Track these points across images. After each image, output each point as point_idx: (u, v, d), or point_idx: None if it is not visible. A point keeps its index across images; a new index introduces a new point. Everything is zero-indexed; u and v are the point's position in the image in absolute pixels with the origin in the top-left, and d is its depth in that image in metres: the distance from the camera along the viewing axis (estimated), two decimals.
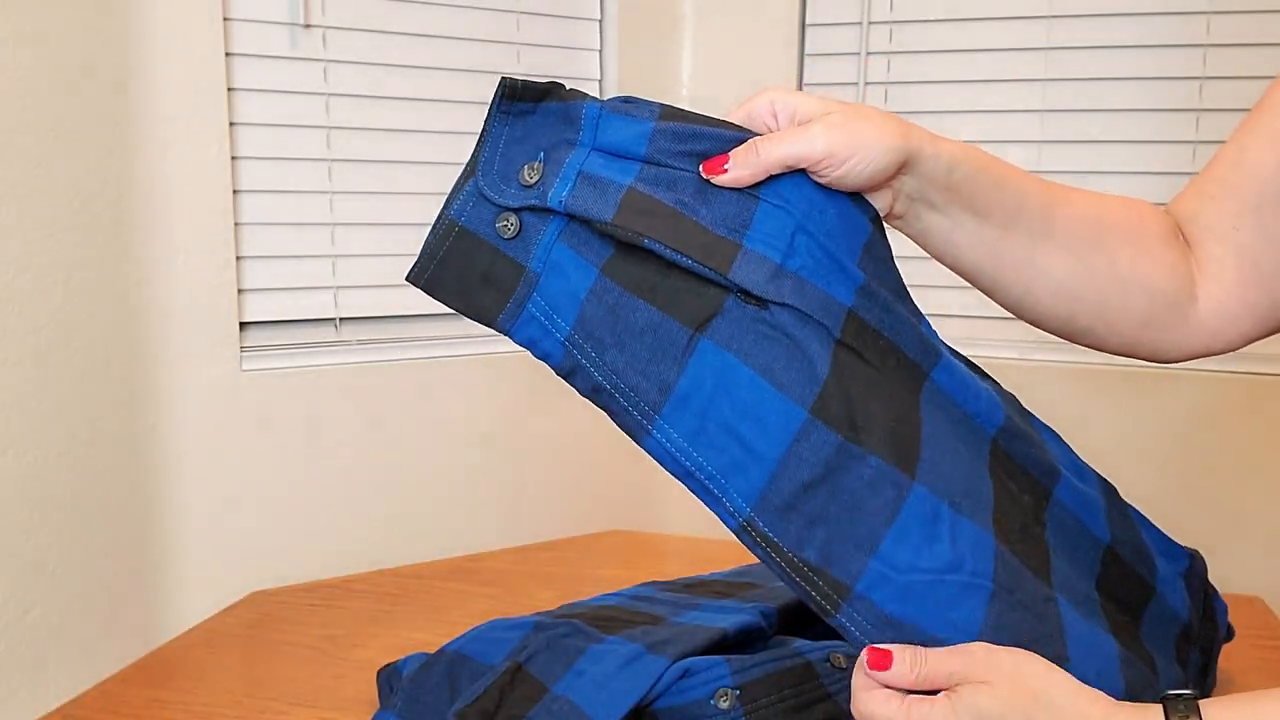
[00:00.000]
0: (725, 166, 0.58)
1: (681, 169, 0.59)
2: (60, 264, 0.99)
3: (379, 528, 1.32)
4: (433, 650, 0.75)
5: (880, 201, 0.62)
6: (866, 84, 1.51)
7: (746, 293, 0.57)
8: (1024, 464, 0.64)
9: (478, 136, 0.60)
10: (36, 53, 0.96)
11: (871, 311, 0.60)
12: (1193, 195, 0.69)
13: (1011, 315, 0.69)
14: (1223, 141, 0.69)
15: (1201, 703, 0.52)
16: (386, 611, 0.96)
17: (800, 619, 0.80)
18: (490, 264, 0.58)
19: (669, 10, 1.52)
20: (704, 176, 0.58)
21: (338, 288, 1.31)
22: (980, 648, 0.56)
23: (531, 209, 0.58)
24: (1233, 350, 0.68)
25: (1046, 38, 1.43)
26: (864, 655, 0.56)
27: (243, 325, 1.23)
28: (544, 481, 1.44)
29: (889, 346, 0.60)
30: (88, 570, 1.05)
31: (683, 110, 0.61)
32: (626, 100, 0.61)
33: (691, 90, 1.55)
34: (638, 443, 0.59)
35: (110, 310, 1.07)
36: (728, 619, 0.75)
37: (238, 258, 1.21)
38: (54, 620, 1.00)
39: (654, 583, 0.91)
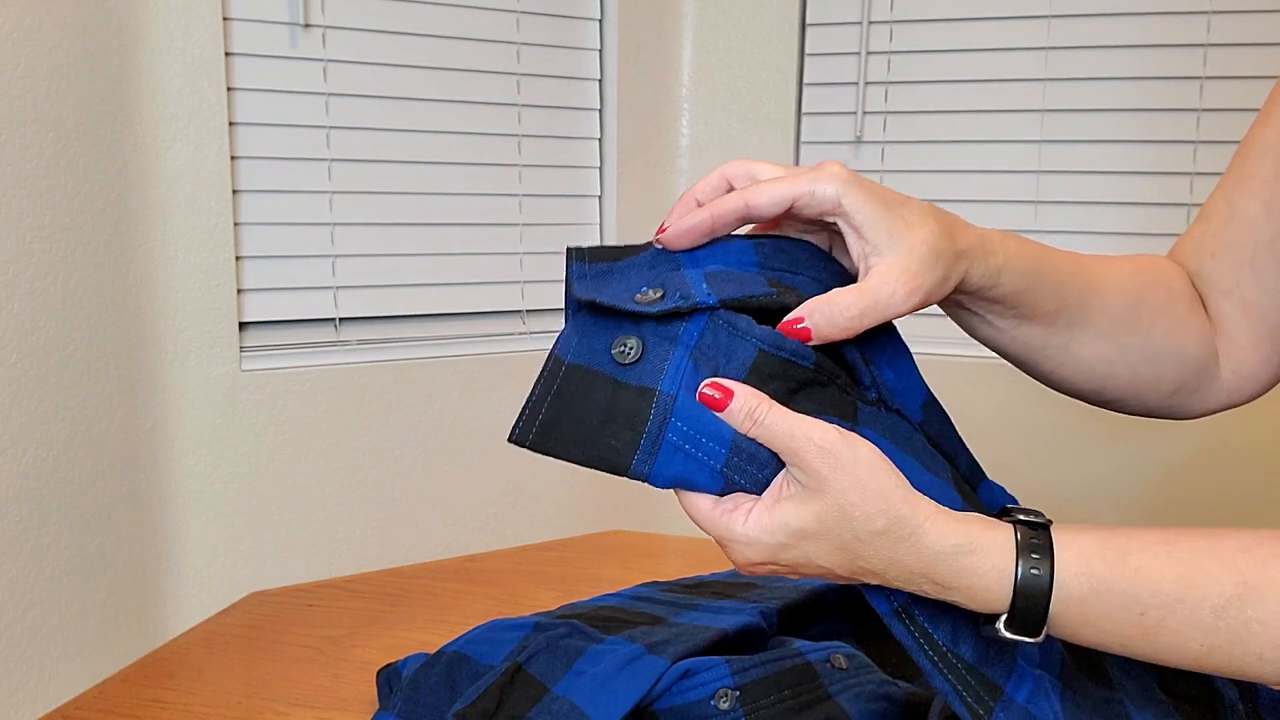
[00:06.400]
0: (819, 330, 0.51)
1: (798, 274, 0.55)
2: (60, 264, 0.99)
3: (379, 528, 1.32)
4: (432, 650, 0.75)
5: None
6: (866, 83, 1.51)
7: (860, 388, 0.55)
8: None
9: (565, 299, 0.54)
10: (36, 52, 0.95)
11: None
12: (1193, 251, 0.68)
13: None
14: (1224, 142, 0.69)
15: (1055, 531, 0.49)
16: (386, 612, 0.96)
17: (800, 619, 0.80)
18: (611, 399, 0.50)
19: (669, 10, 1.52)
20: (798, 331, 0.51)
21: (337, 288, 1.31)
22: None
23: (659, 318, 0.51)
24: (1248, 402, 0.68)
25: (1047, 37, 1.43)
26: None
27: (242, 325, 1.23)
28: (544, 481, 1.44)
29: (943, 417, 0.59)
30: (87, 570, 1.05)
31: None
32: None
33: (691, 90, 1.55)
34: None
35: (110, 310, 1.07)
36: (728, 619, 0.75)
37: (237, 257, 1.21)
38: (53, 620, 1.00)
39: (654, 583, 0.91)
